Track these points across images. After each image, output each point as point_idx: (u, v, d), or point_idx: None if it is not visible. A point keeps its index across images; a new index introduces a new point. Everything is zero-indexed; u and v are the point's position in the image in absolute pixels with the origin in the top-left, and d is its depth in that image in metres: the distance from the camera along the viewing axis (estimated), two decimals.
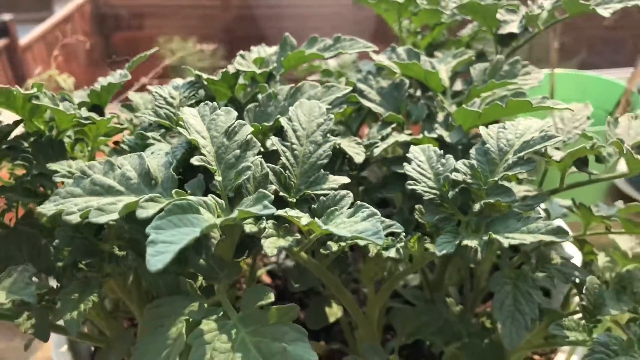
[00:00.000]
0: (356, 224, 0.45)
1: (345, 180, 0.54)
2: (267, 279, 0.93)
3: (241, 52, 0.76)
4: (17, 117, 0.63)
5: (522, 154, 0.50)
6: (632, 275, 0.65)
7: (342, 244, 0.53)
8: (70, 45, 1.65)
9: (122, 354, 0.61)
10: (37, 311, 0.55)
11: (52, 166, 0.56)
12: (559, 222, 0.82)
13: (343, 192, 0.52)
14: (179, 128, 0.56)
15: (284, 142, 0.55)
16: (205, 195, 0.50)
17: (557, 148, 0.64)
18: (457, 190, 0.52)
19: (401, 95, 0.67)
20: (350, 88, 0.62)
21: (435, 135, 0.62)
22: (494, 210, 0.50)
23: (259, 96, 0.63)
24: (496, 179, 0.50)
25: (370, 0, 0.85)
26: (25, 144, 0.63)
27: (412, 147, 0.55)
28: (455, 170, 0.52)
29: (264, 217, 0.49)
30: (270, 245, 0.48)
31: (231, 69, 0.67)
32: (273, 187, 0.52)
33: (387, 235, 0.52)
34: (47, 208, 0.49)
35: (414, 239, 0.53)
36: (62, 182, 0.58)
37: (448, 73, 0.73)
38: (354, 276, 0.76)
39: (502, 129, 0.53)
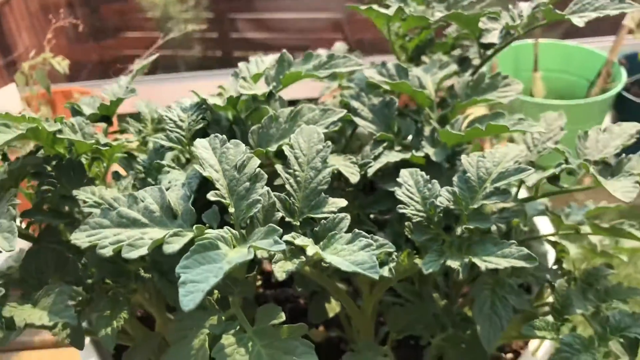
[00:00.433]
0: (354, 254, 0.52)
1: (344, 203, 0.61)
2: (269, 267, 1.00)
3: (240, 66, 0.82)
4: None
5: (498, 184, 0.57)
6: (597, 272, 0.73)
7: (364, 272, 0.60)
8: (58, 20, 1.66)
9: (148, 353, 0.68)
10: (74, 325, 0.62)
11: (79, 194, 0.62)
12: (540, 220, 0.90)
13: (341, 215, 0.59)
14: (192, 165, 0.62)
15: (287, 170, 0.61)
16: (220, 224, 0.56)
17: (531, 161, 0.70)
18: (441, 213, 0.59)
19: (391, 113, 0.73)
20: (345, 111, 0.68)
21: (422, 154, 0.68)
22: (474, 234, 0.57)
23: (263, 120, 0.68)
24: (475, 206, 0.57)
25: (361, 8, 0.90)
26: (48, 168, 0.69)
27: (402, 172, 0.62)
28: (440, 195, 0.59)
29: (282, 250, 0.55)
30: (280, 269, 0.55)
31: (233, 91, 0.72)
32: (280, 214, 0.59)
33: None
34: (81, 240, 0.55)
35: (404, 254, 0.60)
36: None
37: (434, 85, 0.79)
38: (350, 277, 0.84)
39: (481, 158, 0.60)
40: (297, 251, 0.57)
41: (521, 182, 0.73)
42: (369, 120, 0.73)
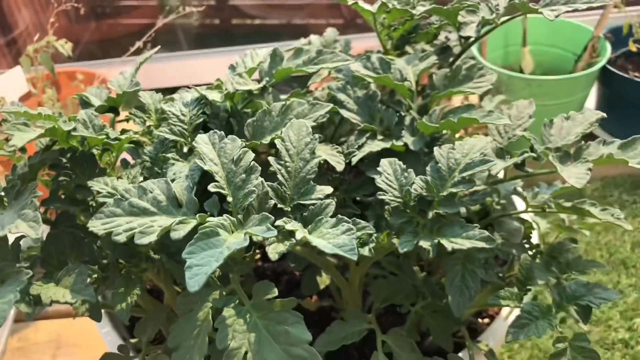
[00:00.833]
0: (337, 237, 0.60)
1: (330, 190, 0.68)
2: None
3: (236, 60, 0.88)
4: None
5: (465, 174, 0.65)
6: (561, 246, 0.81)
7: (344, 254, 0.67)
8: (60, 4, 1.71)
9: (159, 324, 0.77)
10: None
11: (94, 185, 0.70)
12: (515, 199, 0.97)
13: (327, 201, 0.66)
14: (194, 158, 0.69)
15: (278, 161, 0.69)
16: (220, 212, 0.64)
17: (500, 147, 0.78)
18: (416, 199, 0.67)
19: (374, 105, 0.80)
20: (331, 105, 0.75)
21: (402, 143, 0.76)
22: (444, 218, 0.65)
23: (257, 114, 0.75)
24: (445, 194, 0.65)
25: (349, 2, 0.96)
26: (64, 160, 0.76)
27: (382, 161, 0.69)
28: (415, 183, 0.67)
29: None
30: (273, 251, 0.63)
31: (230, 87, 0.79)
32: (273, 201, 0.66)
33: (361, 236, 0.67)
34: (97, 227, 0.63)
35: (384, 235, 0.68)
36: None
37: (415, 76, 0.86)
38: None
39: (451, 150, 0.67)
40: (288, 234, 0.65)
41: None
42: (354, 112, 0.80)
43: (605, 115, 0.79)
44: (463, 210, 0.70)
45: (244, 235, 0.59)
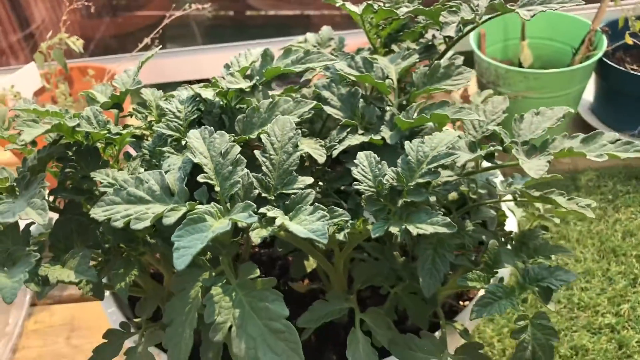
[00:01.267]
0: (312, 223, 0.67)
1: (310, 180, 0.75)
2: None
3: (230, 59, 0.95)
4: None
5: (431, 166, 0.71)
6: (532, 233, 0.87)
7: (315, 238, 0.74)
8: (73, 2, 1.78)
9: (157, 302, 0.84)
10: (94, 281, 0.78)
11: (96, 176, 0.77)
12: (496, 178, 1.03)
13: (307, 190, 0.73)
14: (187, 151, 0.75)
15: (264, 154, 0.75)
16: (208, 200, 0.71)
17: (472, 141, 0.83)
18: (388, 189, 0.73)
19: (356, 101, 0.86)
20: (315, 102, 0.81)
21: (380, 137, 0.82)
22: (412, 205, 0.71)
23: (247, 111, 0.82)
24: (413, 184, 0.71)
25: (337, 3, 1.02)
26: (69, 153, 0.83)
27: (359, 154, 0.76)
28: (387, 174, 0.73)
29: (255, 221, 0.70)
30: (256, 235, 0.69)
31: (223, 85, 0.86)
32: (257, 191, 0.73)
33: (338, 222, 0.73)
34: (98, 214, 0.70)
35: (360, 221, 0.74)
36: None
37: (396, 74, 0.91)
38: None
39: (421, 143, 0.73)
40: (271, 221, 0.71)
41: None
42: (337, 108, 0.86)
43: (573, 111, 0.84)
44: (433, 199, 0.76)
45: (228, 221, 0.65)
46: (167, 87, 1.42)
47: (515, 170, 0.94)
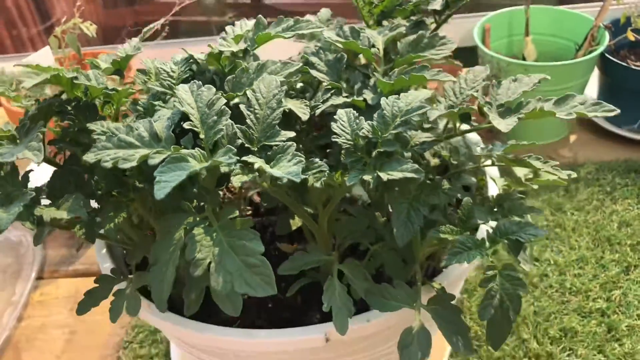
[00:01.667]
0: (289, 167, 0.71)
1: (292, 134, 0.79)
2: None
3: (227, 29, 1.00)
4: None
5: (404, 118, 0.74)
6: (508, 196, 0.90)
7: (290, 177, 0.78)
8: None
9: (144, 252, 0.88)
10: (86, 223, 0.82)
11: (91, 126, 0.82)
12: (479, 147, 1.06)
13: (289, 143, 0.77)
14: (175, 99, 0.80)
15: (249, 109, 0.80)
16: (193, 147, 0.75)
17: (452, 105, 0.87)
18: (364, 141, 0.77)
19: (341, 66, 0.90)
20: (300, 64, 0.86)
21: (362, 99, 0.86)
22: (386, 156, 0.75)
23: (237, 71, 0.86)
24: (387, 135, 0.75)
25: None
26: (69, 108, 0.88)
27: (339, 111, 0.80)
28: (363, 128, 0.77)
29: (234, 162, 0.74)
30: (237, 180, 0.73)
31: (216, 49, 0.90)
32: (240, 141, 0.77)
33: (317, 173, 0.77)
34: (90, 157, 0.74)
35: (338, 173, 0.78)
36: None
37: (383, 43, 0.95)
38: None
39: (396, 100, 0.77)
40: (252, 168, 0.76)
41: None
42: (324, 72, 0.90)
43: (549, 77, 0.87)
44: (409, 154, 0.79)
45: (210, 161, 0.69)
46: None
47: (493, 137, 0.97)
